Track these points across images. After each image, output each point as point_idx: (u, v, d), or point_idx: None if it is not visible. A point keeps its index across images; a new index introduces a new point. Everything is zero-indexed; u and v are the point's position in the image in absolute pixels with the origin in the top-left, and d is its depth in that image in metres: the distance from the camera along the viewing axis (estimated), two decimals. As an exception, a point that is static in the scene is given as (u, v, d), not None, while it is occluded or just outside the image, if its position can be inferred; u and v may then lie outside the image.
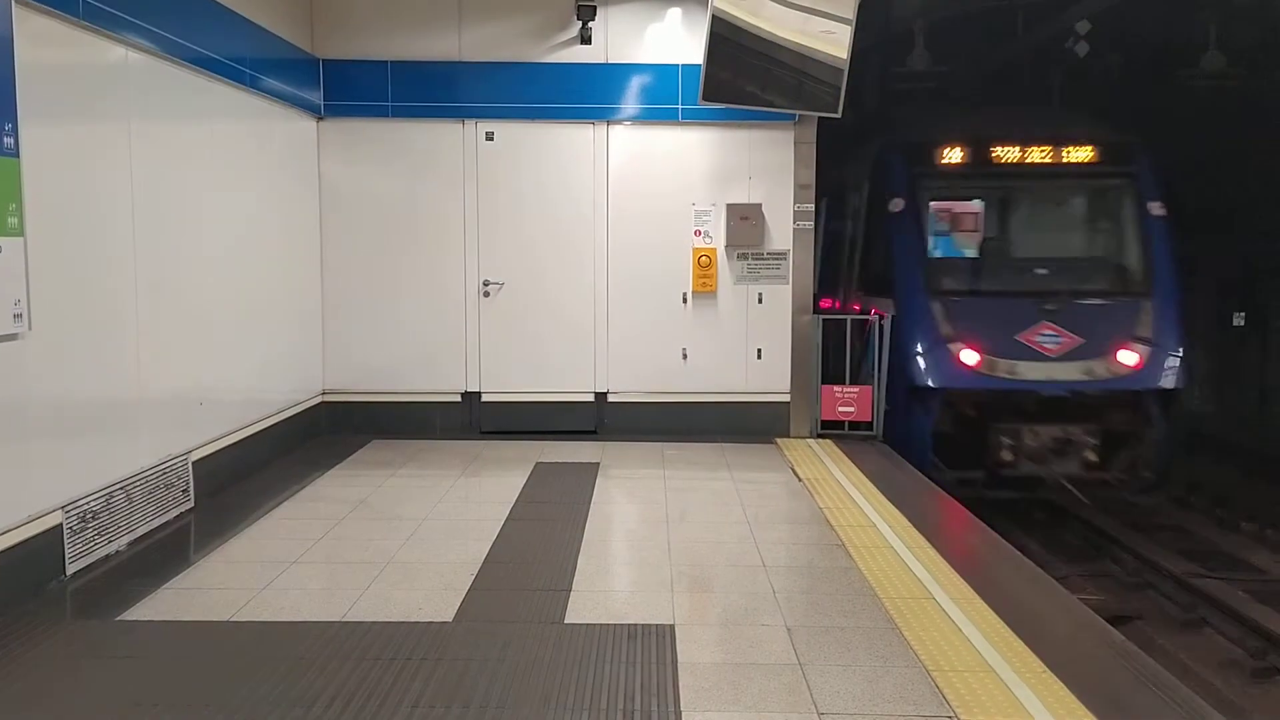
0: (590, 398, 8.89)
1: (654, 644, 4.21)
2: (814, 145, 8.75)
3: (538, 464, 7.69)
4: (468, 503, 6.66)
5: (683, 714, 3.58)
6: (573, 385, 8.87)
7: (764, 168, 8.76)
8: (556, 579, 5.04)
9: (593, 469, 7.55)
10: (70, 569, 4.94)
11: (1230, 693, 6.39)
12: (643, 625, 4.42)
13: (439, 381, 8.82)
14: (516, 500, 6.61)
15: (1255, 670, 6.65)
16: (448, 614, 4.54)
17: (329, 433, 8.61)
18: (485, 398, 8.83)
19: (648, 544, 5.73)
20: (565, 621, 4.48)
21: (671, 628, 4.40)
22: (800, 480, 7.26)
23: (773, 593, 4.89)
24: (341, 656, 4.03)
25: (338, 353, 8.76)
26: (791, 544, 5.81)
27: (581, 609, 4.64)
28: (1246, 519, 9.56)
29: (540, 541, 5.73)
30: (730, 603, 4.80)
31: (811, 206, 8.79)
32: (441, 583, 4.95)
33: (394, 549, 5.53)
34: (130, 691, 3.72)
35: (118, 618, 4.46)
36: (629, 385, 8.90)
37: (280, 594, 4.81)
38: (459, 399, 8.84)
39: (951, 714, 3.62)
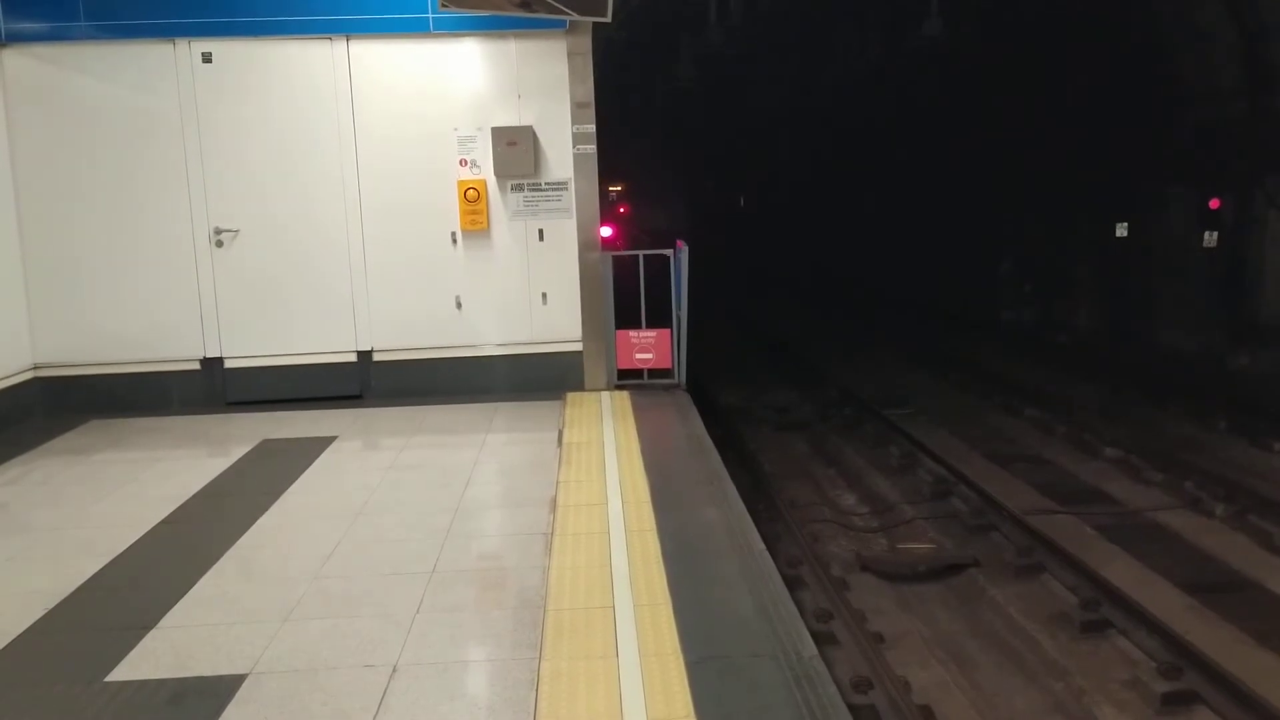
0: (352, 358, 7.77)
1: (196, 712, 3.21)
2: (589, 56, 7.60)
3: (264, 441, 6.61)
4: (132, 500, 5.53)
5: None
6: (330, 345, 7.73)
7: (535, 84, 7.60)
8: (146, 612, 3.99)
9: (323, 444, 6.48)
10: None
11: (1055, 651, 5.70)
12: (204, 679, 3.42)
13: (173, 347, 7.62)
14: (195, 495, 5.53)
15: (1084, 624, 5.96)
16: (-49, 680, 3.49)
17: (44, 414, 7.41)
18: (229, 364, 7.67)
19: (307, 549, 4.69)
20: (106, 679, 3.46)
21: (242, 679, 3.41)
22: (560, 446, 6.28)
23: (414, 614, 3.91)
24: None
25: (50, 319, 7.50)
26: (490, 537, 4.83)
27: (145, 658, 3.61)
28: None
29: (174, 554, 4.67)
30: (348, 633, 3.79)
31: (592, 128, 7.65)
32: (-10, 627, 3.89)
33: (-23, 577, 4.45)
34: None
35: None
36: (396, 342, 7.79)
37: None
38: (198, 366, 7.67)
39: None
